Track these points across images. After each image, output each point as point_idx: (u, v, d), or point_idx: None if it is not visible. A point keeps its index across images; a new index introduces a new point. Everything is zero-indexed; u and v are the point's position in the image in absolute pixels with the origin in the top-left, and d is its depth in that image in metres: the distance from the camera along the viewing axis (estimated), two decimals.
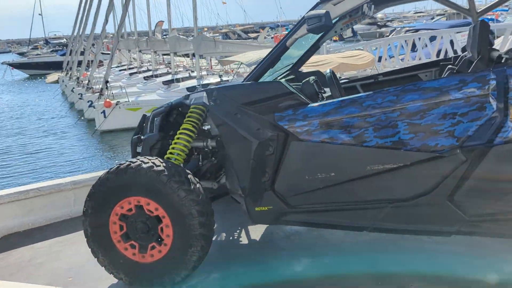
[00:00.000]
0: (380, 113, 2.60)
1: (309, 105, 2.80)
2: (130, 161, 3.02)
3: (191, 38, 18.87)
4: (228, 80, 16.99)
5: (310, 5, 2.84)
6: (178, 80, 17.87)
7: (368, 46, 19.10)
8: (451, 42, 17.38)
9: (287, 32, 3.06)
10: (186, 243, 2.93)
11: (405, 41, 18.74)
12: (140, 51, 25.12)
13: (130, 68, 26.32)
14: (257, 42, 22.24)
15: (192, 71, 19.70)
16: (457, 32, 18.00)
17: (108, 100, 15.42)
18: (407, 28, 24.82)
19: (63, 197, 4.52)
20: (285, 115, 2.81)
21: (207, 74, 18.21)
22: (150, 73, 21.52)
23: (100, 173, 4.76)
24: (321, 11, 2.56)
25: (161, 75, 20.50)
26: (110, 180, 2.99)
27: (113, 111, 15.32)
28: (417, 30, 21.94)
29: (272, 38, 36.02)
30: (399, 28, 29.05)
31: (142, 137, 3.56)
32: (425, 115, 2.51)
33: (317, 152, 2.76)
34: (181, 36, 20.70)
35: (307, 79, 3.10)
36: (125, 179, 2.95)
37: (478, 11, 3.88)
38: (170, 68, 21.51)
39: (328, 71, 3.39)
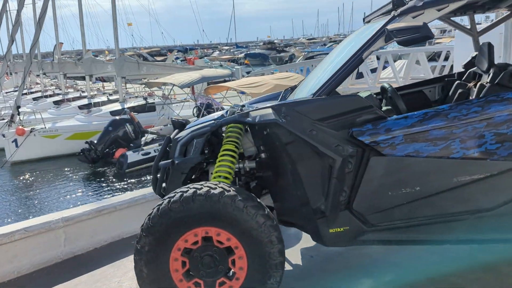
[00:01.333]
0: (466, 124, 2.62)
1: (388, 119, 2.73)
2: (195, 187, 2.67)
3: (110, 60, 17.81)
4: (154, 103, 16.38)
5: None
6: (97, 104, 16.75)
7: (284, 70, 19.70)
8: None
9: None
10: (265, 274, 2.64)
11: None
12: (44, 74, 23.13)
13: (31, 93, 24.09)
14: (180, 64, 21.78)
15: (110, 94, 18.62)
16: None
17: (21, 127, 13.86)
18: (317, 53, 26.27)
19: (52, 237, 3.87)
20: (364, 130, 2.70)
21: (129, 97, 17.35)
22: (60, 98, 19.88)
23: (91, 206, 4.21)
24: (415, 23, 2.53)
25: (74, 99, 19.05)
26: (174, 211, 2.61)
27: (27, 139, 13.81)
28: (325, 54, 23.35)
29: (182, 61, 35.78)
30: (305, 53, 30.73)
31: (175, 161, 3.18)
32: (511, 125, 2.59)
33: (401, 167, 2.69)
34: (97, 58, 19.46)
35: (369, 93, 3.04)
36: (193, 208, 2.60)
37: (479, 30, 4.18)
38: (82, 91, 20.10)
39: (386, 85, 3.37)
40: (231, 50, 70.49)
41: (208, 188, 2.65)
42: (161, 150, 3.45)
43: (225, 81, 16.93)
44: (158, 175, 3.46)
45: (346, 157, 2.69)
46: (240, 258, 2.65)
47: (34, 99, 21.88)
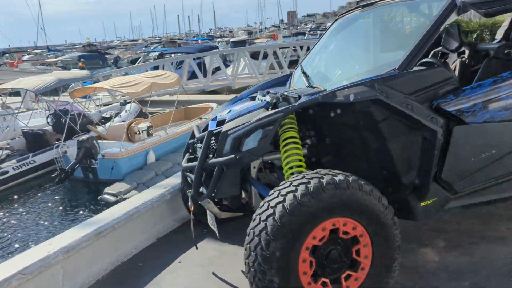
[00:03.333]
0: None
1: (465, 88, 2.86)
2: (314, 176, 2.39)
3: None
4: None
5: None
6: None
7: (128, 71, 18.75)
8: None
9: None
10: (390, 258, 2.53)
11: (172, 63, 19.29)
12: None
13: None
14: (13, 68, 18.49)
15: None
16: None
17: None
18: (157, 52, 25.60)
19: (49, 276, 2.99)
20: (448, 101, 2.79)
21: None
22: None
23: (87, 228, 3.37)
24: None
25: None
26: (306, 205, 2.29)
27: None
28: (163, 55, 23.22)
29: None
30: (145, 53, 29.77)
31: (236, 156, 2.78)
32: None
33: (481, 133, 2.86)
34: None
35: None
36: (324, 199, 2.33)
37: None
38: None
39: (430, 59, 3.47)
40: (44, 54, 63.77)
41: (331, 176, 2.40)
42: (205, 148, 2.98)
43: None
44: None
45: (441, 128, 2.73)
46: (365, 246, 2.48)
47: None
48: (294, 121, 2.99)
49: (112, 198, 9.26)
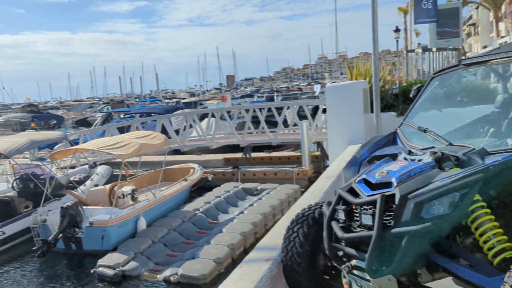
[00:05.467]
0: None
1: None
2: None
3: None
4: None
5: None
6: None
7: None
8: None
9: None
10: None
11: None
12: None
13: None
14: None
15: None
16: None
17: None
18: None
19: None
20: None
21: None
22: None
23: None
24: None
25: None
26: None
27: None
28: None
29: None
30: (104, 113, 28.93)
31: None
32: None
33: None
34: None
35: None
36: None
37: None
38: None
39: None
40: None
41: None
42: (380, 215, 2.54)
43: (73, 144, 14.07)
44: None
45: None
46: None
47: None
48: None
49: (110, 272, 8.19)
